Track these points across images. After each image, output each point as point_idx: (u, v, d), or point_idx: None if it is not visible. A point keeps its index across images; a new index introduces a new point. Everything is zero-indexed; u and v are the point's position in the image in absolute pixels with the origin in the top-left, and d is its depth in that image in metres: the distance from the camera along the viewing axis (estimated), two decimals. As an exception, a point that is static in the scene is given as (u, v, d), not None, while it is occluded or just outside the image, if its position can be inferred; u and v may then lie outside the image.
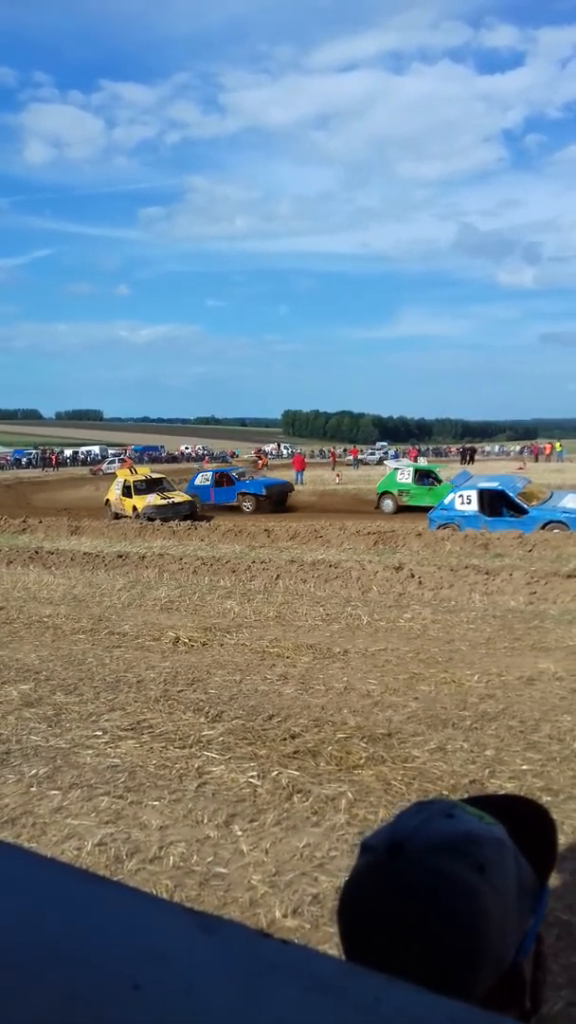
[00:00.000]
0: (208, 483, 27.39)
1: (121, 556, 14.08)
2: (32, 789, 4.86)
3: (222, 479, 27.62)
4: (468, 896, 0.72)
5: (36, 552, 15.03)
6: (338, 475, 42.24)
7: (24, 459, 76.16)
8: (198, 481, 27.93)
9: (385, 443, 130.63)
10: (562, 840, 3.96)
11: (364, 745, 5.34)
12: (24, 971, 0.47)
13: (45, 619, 9.77)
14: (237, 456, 68.15)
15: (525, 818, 0.85)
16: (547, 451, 66.14)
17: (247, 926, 0.51)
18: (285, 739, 5.51)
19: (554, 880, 3.59)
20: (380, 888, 0.74)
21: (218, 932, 0.50)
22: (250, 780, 4.84)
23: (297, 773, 4.92)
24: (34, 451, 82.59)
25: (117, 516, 23.84)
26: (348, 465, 56.52)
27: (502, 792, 4.54)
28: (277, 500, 26.47)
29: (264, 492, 26.37)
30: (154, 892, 3.52)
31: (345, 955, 0.74)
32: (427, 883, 0.72)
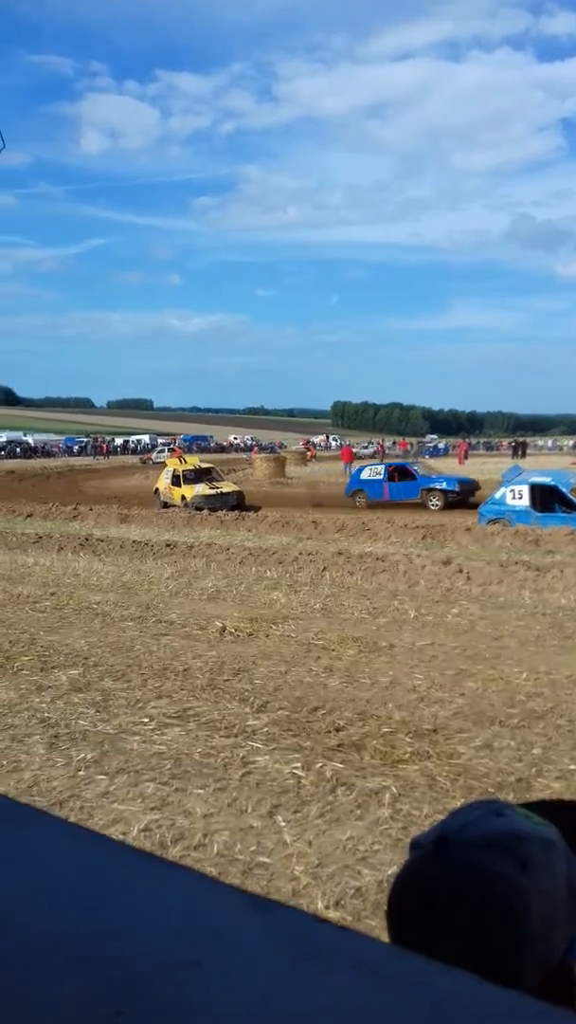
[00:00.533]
0: (380, 477, 24.77)
1: (169, 545, 14.22)
2: (80, 773, 4.95)
3: (397, 473, 24.99)
4: (508, 891, 0.74)
5: (86, 539, 15.26)
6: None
7: (76, 447, 77.29)
8: (365, 475, 25.33)
9: (435, 436, 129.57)
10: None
11: (409, 740, 5.33)
12: (89, 946, 0.49)
13: (94, 606, 9.91)
14: (285, 447, 68.15)
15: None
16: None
17: (302, 910, 0.52)
18: (330, 731, 5.52)
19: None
20: (425, 881, 0.77)
21: (270, 912, 0.52)
22: (294, 771, 4.87)
23: (341, 766, 4.94)
24: (85, 439, 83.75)
25: (166, 505, 24.07)
26: (397, 457, 56.16)
27: (548, 792, 4.50)
28: (464, 498, 23.42)
29: (457, 488, 23.78)
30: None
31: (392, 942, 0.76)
32: (468, 877, 0.75)
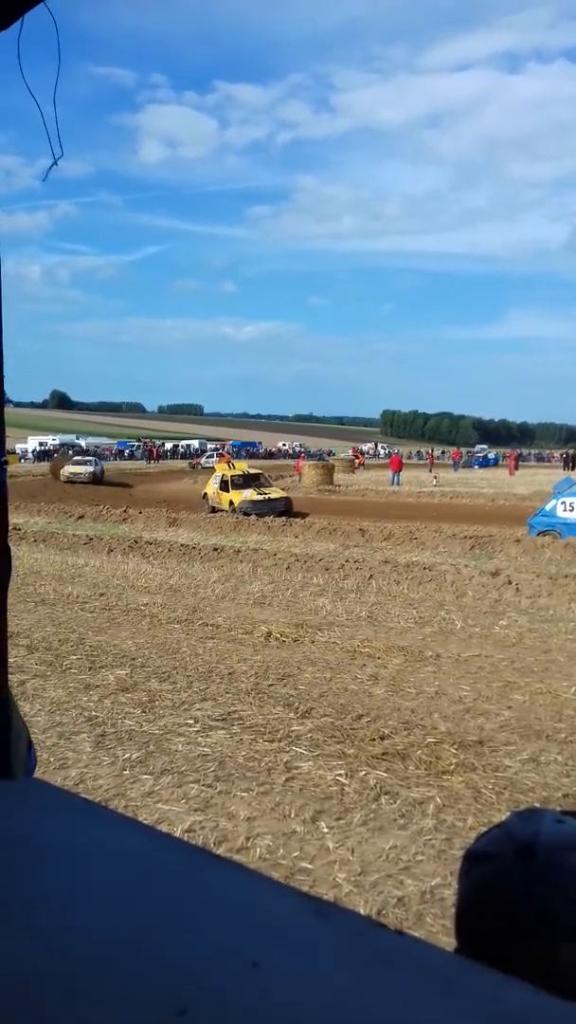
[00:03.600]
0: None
1: (216, 549, 14.29)
2: (125, 772, 5.00)
3: None
4: None
5: (135, 542, 15.41)
6: (436, 477, 41.76)
7: (127, 450, 78.26)
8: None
9: (485, 446, 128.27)
10: None
11: (454, 751, 5.27)
12: (146, 942, 0.49)
13: (142, 607, 10.01)
14: (334, 455, 68.09)
15: None
16: None
17: (363, 915, 0.52)
18: (374, 740, 5.49)
19: None
20: (517, 889, 0.76)
21: (331, 917, 0.51)
22: (338, 778, 4.85)
23: (385, 775, 4.90)
24: (136, 443, 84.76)
25: (214, 510, 24.20)
26: (448, 467, 55.74)
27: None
28: None
29: None
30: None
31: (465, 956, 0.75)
32: (570, 880, 0.75)
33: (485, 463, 68.29)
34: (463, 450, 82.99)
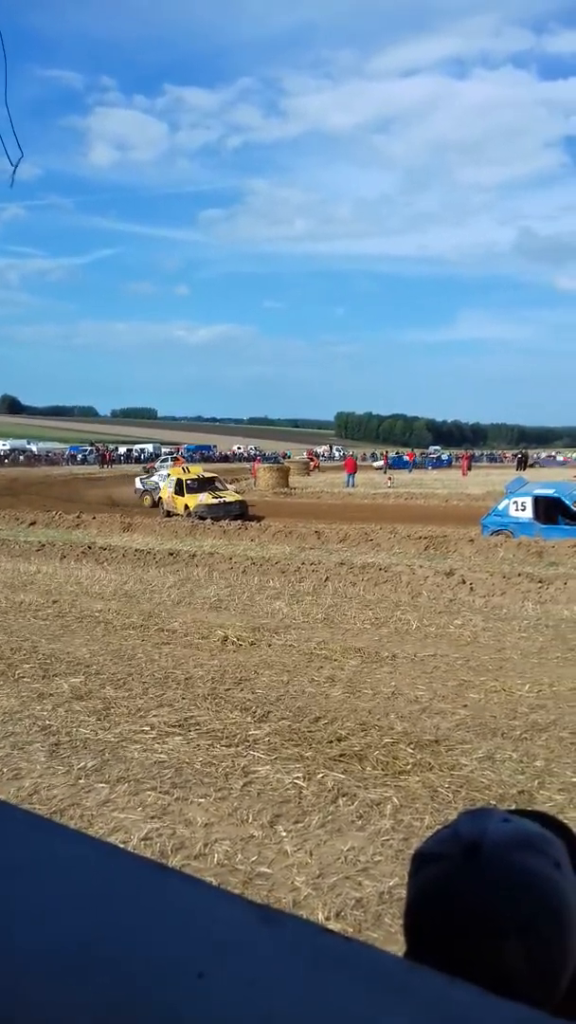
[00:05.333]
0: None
1: (172, 554, 14.22)
2: (80, 781, 4.93)
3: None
4: (555, 890, 0.75)
5: (89, 547, 15.25)
6: (390, 478, 42.07)
7: (79, 455, 77.47)
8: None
9: (438, 447, 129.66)
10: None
11: (411, 751, 5.31)
12: (91, 956, 0.48)
13: (96, 614, 9.90)
14: (289, 458, 68.24)
15: (553, 830, 0.86)
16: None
17: (310, 921, 0.51)
18: (331, 742, 5.50)
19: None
20: (463, 889, 0.76)
21: (279, 924, 0.50)
22: (295, 781, 4.84)
23: (343, 776, 4.91)
24: (89, 448, 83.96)
25: (169, 514, 24.08)
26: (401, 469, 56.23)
27: (551, 804, 4.47)
28: None
29: None
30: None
31: (414, 958, 0.75)
32: (514, 879, 0.75)
33: (438, 464, 69.05)
34: (417, 451, 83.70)
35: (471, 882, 0.75)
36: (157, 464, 54.18)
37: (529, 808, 0.99)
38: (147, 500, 29.91)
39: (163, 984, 0.46)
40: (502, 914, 0.73)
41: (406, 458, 65.43)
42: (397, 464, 59.40)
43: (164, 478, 29.81)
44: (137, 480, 33.44)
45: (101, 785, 4.86)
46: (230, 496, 24.70)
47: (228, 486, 27.11)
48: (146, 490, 31.19)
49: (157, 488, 29.28)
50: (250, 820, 4.37)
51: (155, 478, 31.85)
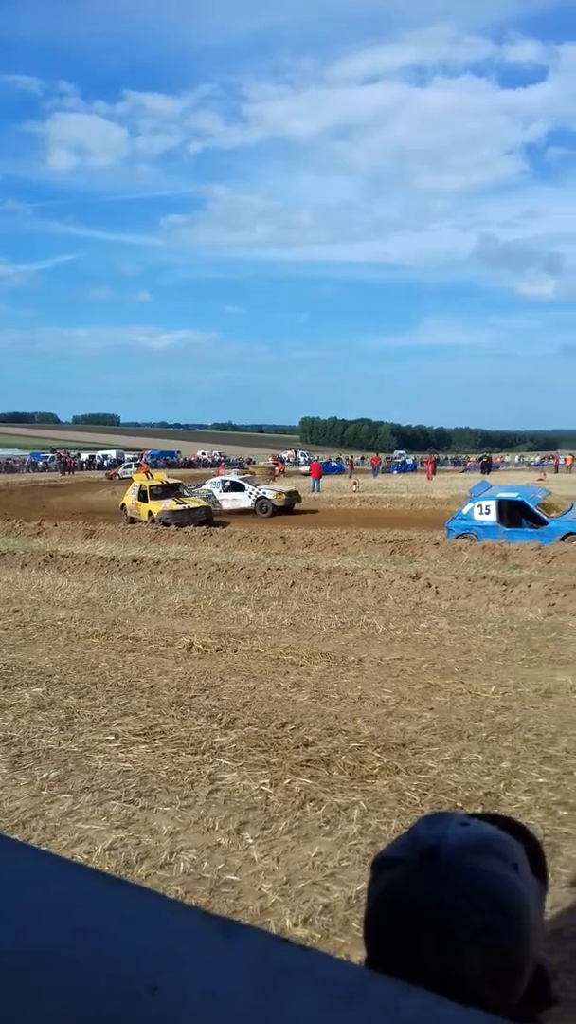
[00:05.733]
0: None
1: (136, 561, 14.11)
2: (43, 792, 4.86)
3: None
4: (511, 893, 0.76)
5: (51, 555, 15.09)
6: (356, 483, 42.24)
7: (40, 462, 76.72)
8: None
9: (403, 451, 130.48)
10: (577, 855, 3.92)
11: (378, 755, 5.31)
12: (43, 970, 0.47)
13: (59, 622, 9.79)
14: (254, 463, 68.19)
15: (512, 833, 0.87)
16: (568, 462, 65.95)
17: (266, 931, 0.50)
18: (298, 747, 5.48)
19: (567, 896, 3.55)
20: (422, 893, 0.75)
21: (236, 936, 0.49)
22: (262, 788, 4.82)
23: (310, 782, 4.89)
24: (50, 454, 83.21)
25: (132, 521, 23.94)
26: (367, 472, 56.46)
27: (517, 805, 4.50)
28: None
29: None
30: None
31: (374, 965, 0.75)
32: (472, 883, 0.75)
33: (404, 468, 69.46)
34: (382, 456, 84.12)
35: (429, 887, 0.75)
36: (121, 470, 53.57)
37: (493, 811, 0.99)
38: None
39: (115, 998, 0.45)
40: (459, 918, 0.73)
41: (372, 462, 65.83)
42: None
43: (217, 485, 28.85)
44: (184, 491, 30.48)
45: (64, 796, 4.79)
46: (194, 502, 24.64)
47: (194, 492, 27.06)
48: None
49: (210, 497, 27.84)
50: (216, 828, 4.34)
51: (207, 486, 29.49)
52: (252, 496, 27.70)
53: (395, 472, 64.25)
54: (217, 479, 30.45)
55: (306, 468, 53.98)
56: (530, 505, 16.71)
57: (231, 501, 28.06)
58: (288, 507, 27.45)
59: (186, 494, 25.65)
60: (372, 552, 15.06)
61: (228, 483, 29.02)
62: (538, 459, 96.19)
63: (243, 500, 27.99)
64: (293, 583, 11.95)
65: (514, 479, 34.35)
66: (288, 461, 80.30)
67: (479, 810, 4.28)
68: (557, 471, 60.98)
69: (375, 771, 5.04)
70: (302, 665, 7.67)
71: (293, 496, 27.96)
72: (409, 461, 77.81)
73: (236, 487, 28.53)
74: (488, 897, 0.74)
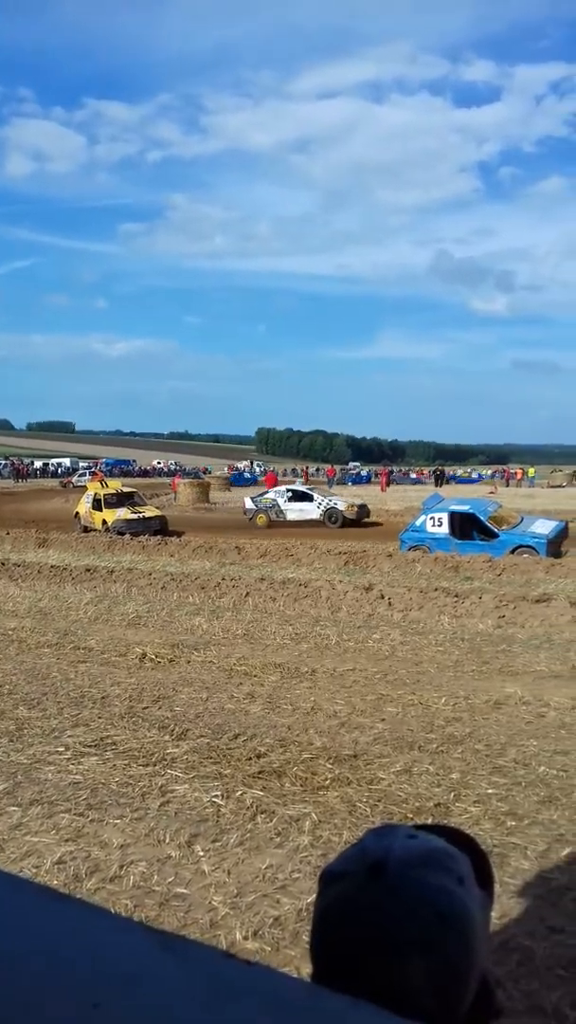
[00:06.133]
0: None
1: (89, 570, 13.96)
2: (-9, 805, 4.77)
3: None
4: (457, 906, 0.76)
5: (2, 564, 14.84)
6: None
7: (-7, 469, 75.50)
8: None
9: (357, 463, 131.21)
10: (524, 865, 3.97)
11: (330, 766, 5.32)
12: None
13: (9, 632, 9.63)
14: (210, 472, 67.99)
15: (459, 845, 0.88)
16: (518, 476, 66.93)
17: (211, 946, 0.50)
18: (250, 759, 5.46)
19: (514, 906, 3.58)
20: (368, 907, 0.75)
21: (181, 952, 0.49)
22: (214, 799, 4.79)
23: (262, 793, 4.88)
24: (3, 461, 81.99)
25: (86, 529, 23.67)
26: (322, 483, 56.60)
27: (466, 816, 4.54)
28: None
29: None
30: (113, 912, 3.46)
31: (320, 979, 0.75)
32: (416, 895, 0.75)
33: (358, 480, 69.83)
34: (337, 467, 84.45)
35: (374, 901, 0.75)
36: (75, 478, 52.85)
37: (442, 822, 1.00)
38: (262, 520, 26.68)
39: (56, 1016, 0.45)
40: (405, 932, 0.73)
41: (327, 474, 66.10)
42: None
43: (281, 495, 27.13)
44: (247, 499, 28.85)
45: (13, 808, 4.71)
46: (149, 511, 24.47)
47: (147, 501, 26.86)
48: (260, 509, 27.27)
49: (275, 506, 26.54)
50: (167, 840, 4.30)
51: (271, 495, 27.62)
52: (321, 506, 26.16)
53: (350, 483, 64.55)
54: (281, 488, 28.60)
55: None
56: (481, 518, 16.95)
57: (297, 512, 26.46)
58: (358, 520, 25.81)
59: (141, 503, 25.43)
60: (326, 563, 15.10)
61: (293, 492, 27.24)
62: (491, 472, 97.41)
63: (310, 511, 26.34)
64: (247, 593, 11.93)
65: (465, 492, 34.73)
66: (244, 471, 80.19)
67: (429, 821, 4.31)
68: (508, 485, 61.83)
69: (327, 782, 5.05)
70: (255, 676, 7.65)
71: (364, 509, 26.53)
72: (364, 473, 78.29)
73: (302, 497, 26.88)
74: (434, 911, 0.74)
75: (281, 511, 26.50)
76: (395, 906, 0.74)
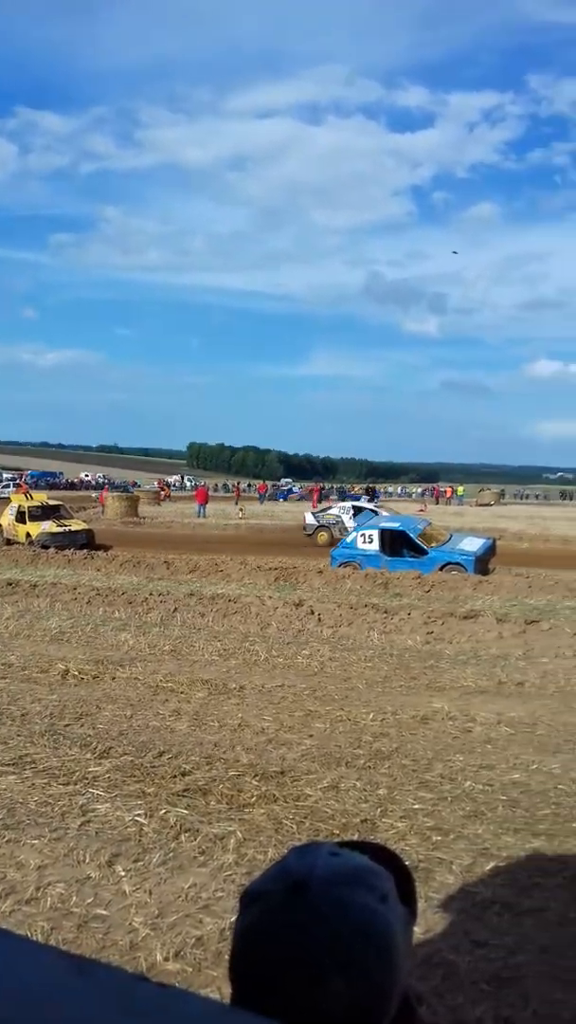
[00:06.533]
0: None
1: (11, 584, 13.63)
2: None
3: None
4: (380, 924, 0.75)
5: None
6: (241, 509, 42.31)
7: None
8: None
9: (290, 480, 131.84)
10: (449, 880, 3.99)
11: (256, 783, 5.27)
12: None
13: None
14: (139, 487, 67.35)
15: (383, 861, 0.87)
16: (448, 494, 68.24)
17: (124, 969, 0.47)
18: (175, 776, 5.38)
19: (439, 921, 3.59)
20: (288, 926, 0.74)
21: (93, 974, 0.47)
22: (136, 818, 4.69)
23: (186, 812, 4.80)
24: None
25: (9, 542, 23.14)
26: (254, 499, 56.70)
27: (392, 831, 4.54)
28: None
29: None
30: (29, 935, 3.34)
31: (239, 1001, 0.72)
32: (337, 914, 0.73)
33: (289, 496, 70.15)
34: (269, 483, 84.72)
35: (295, 920, 0.74)
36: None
37: (367, 838, 0.99)
38: (323, 537, 24.76)
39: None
40: (325, 952, 0.72)
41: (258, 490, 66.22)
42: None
43: (346, 510, 25.42)
44: (308, 515, 27.23)
45: None
46: (76, 524, 24.09)
47: (74, 514, 26.43)
48: (321, 525, 25.53)
49: (339, 523, 24.51)
50: (87, 860, 4.18)
51: (335, 510, 25.91)
52: None
53: (281, 500, 64.80)
54: (347, 504, 27.10)
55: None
56: (411, 535, 17.18)
57: None
58: None
59: (67, 516, 25.00)
60: (256, 579, 15.07)
61: (357, 509, 25.46)
62: (420, 490, 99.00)
63: None
64: (176, 609, 11.82)
65: (396, 509, 35.20)
66: (174, 486, 79.81)
67: (355, 837, 4.31)
68: (438, 503, 62.94)
69: (253, 800, 5.00)
70: (182, 692, 7.56)
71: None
72: (295, 489, 78.67)
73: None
74: (356, 929, 0.73)
75: (345, 528, 23.91)
76: (316, 925, 0.73)
